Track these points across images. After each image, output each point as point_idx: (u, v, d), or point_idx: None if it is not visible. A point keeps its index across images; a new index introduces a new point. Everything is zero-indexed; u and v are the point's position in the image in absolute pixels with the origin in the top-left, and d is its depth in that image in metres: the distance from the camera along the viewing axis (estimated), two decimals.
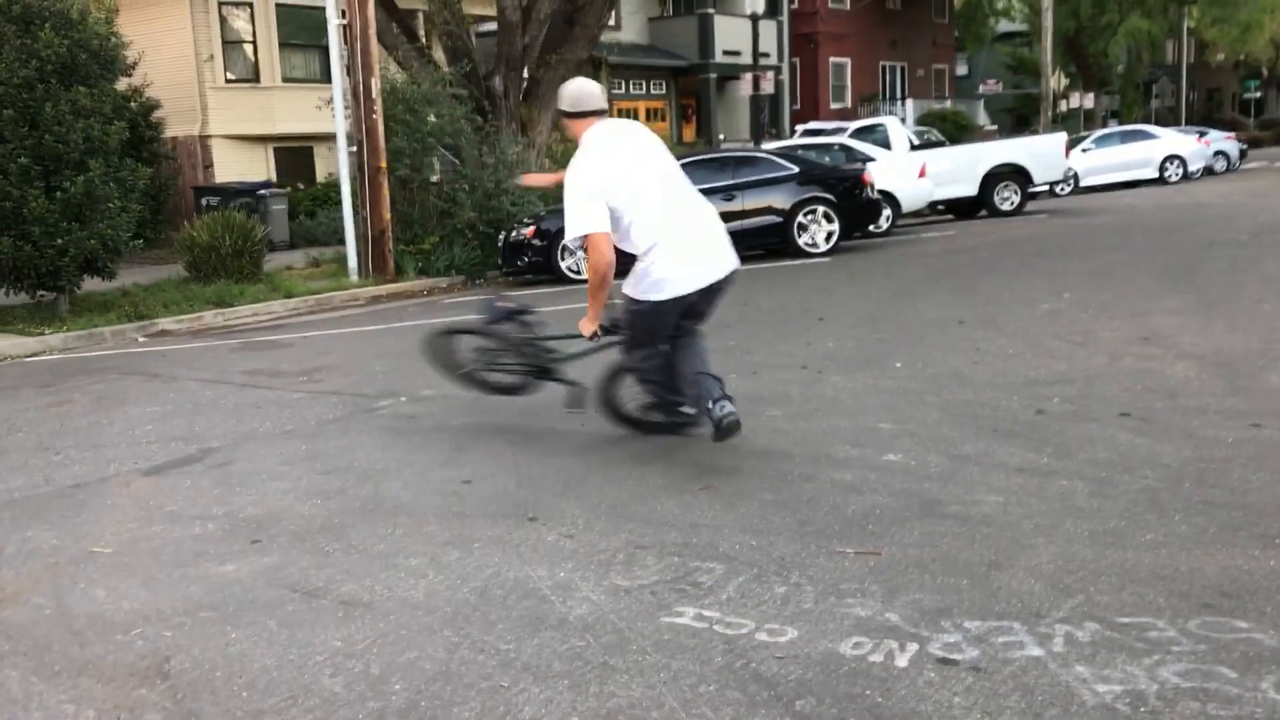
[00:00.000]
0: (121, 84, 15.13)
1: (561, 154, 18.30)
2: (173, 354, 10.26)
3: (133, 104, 18.03)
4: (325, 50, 16.46)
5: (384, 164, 14.59)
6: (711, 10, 32.36)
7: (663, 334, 5.34)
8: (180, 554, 4.54)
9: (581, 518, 4.69)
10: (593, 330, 5.36)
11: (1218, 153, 31.39)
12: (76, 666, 3.54)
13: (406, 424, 6.65)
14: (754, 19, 26.78)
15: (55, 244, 11.50)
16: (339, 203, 15.50)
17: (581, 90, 5.33)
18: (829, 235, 14.92)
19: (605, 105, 5.45)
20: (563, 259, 14.14)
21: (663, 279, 5.12)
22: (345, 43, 14.58)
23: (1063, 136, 21.91)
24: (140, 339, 11.59)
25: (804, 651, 3.35)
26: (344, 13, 14.46)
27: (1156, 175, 28.14)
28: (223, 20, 21.72)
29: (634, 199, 5.08)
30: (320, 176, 22.50)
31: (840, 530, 4.39)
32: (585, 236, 5.02)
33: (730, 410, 5.17)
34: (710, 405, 5.18)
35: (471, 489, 5.20)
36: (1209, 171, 30.16)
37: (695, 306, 5.30)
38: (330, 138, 16.41)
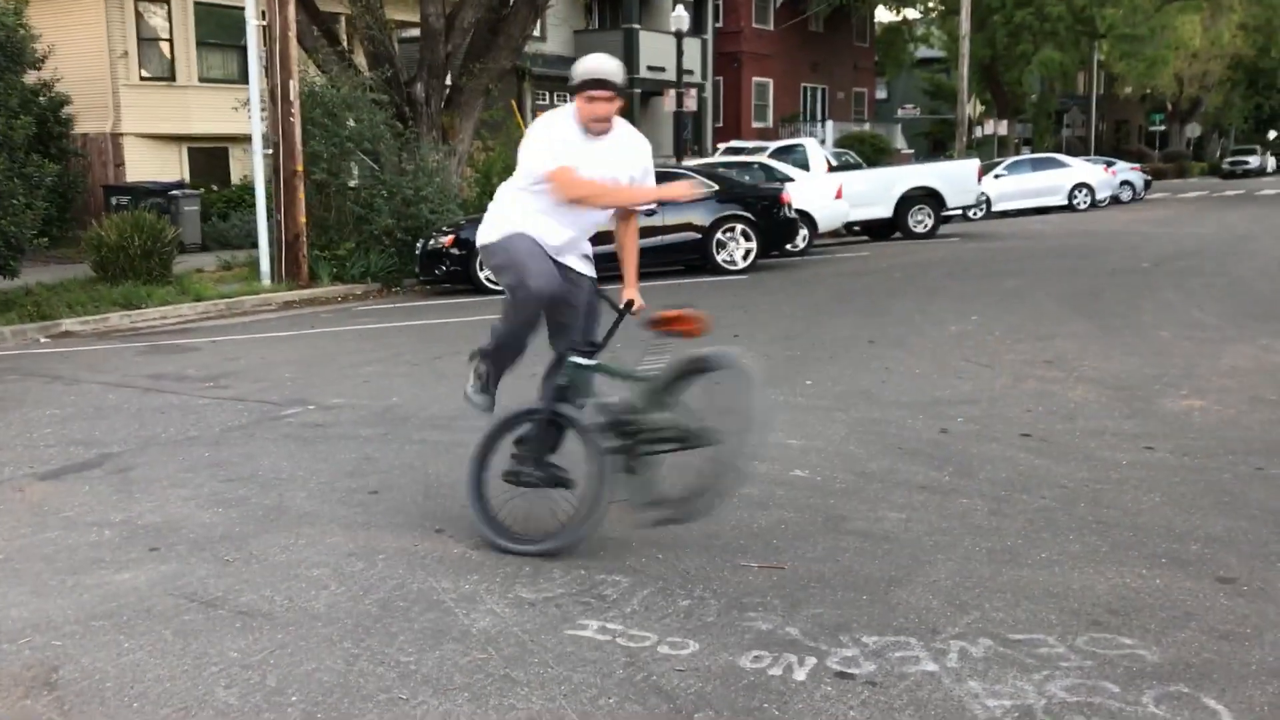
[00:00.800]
0: (30, 77, 14.75)
1: (483, 163, 18.26)
2: (76, 356, 9.99)
3: (41, 98, 17.54)
4: (244, 50, 16.19)
5: (300, 168, 14.38)
6: (637, 26, 32.54)
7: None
8: (75, 561, 4.42)
9: None
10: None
11: (1124, 182, 32.41)
12: None
13: (314, 432, 6.56)
14: (679, 36, 26.99)
15: None
16: (253, 206, 15.24)
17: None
18: (747, 253, 15.08)
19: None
20: (480, 270, 14.07)
21: None
22: (264, 44, 14.37)
23: (976, 162, 22.46)
24: (42, 340, 11.26)
25: (704, 664, 3.37)
26: (264, 13, 14.25)
27: (1066, 202, 28.96)
28: (139, 16, 21.26)
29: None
30: (235, 178, 22.11)
31: (746, 544, 4.44)
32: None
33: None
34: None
35: (378, 499, 5.15)
36: (1115, 200, 31.13)
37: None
38: (246, 139, 16.14)
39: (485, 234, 4.59)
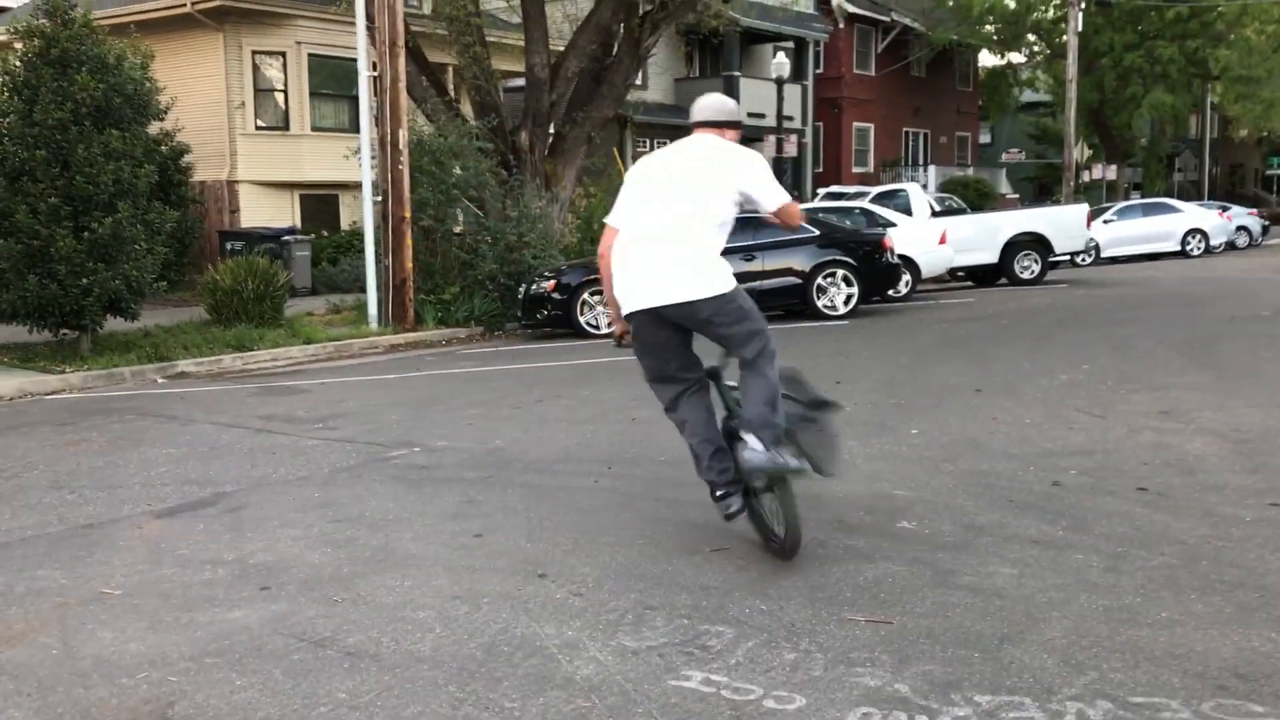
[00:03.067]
0: (153, 128, 15.40)
1: (584, 209, 18.48)
2: (191, 396, 10.31)
3: (163, 148, 18.29)
4: (355, 100, 16.70)
5: (408, 214, 14.73)
6: (737, 73, 32.72)
7: (653, 362, 4.88)
8: (189, 598, 4.53)
9: (591, 576, 4.66)
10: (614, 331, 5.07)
11: (1240, 228, 31.43)
12: (80, 709, 3.52)
13: (419, 474, 6.65)
14: (779, 83, 27.09)
15: (80, 283, 11.62)
16: (361, 250, 15.63)
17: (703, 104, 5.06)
18: (848, 298, 14.96)
19: (709, 118, 4.95)
20: (581, 314, 14.20)
21: (619, 290, 4.81)
22: (375, 94, 14.80)
23: (1085, 207, 21.98)
24: (159, 380, 11.66)
25: None
26: (375, 65, 14.69)
27: (1178, 248, 28.16)
28: (255, 68, 22.09)
29: (633, 202, 4.84)
30: (344, 224, 22.74)
31: (851, 597, 4.35)
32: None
33: (734, 509, 4.82)
34: (716, 495, 4.86)
35: (482, 542, 5.18)
36: (1231, 246, 30.18)
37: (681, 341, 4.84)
38: (355, 186, 16.60)
39: (714, 282, 4.64)
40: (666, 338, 4.78)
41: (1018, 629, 3.98)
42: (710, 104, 5.00)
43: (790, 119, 30.73)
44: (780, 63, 27.00)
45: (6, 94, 11.81)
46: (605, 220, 4.95)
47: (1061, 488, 5.91)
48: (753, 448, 4.59)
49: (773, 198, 4.82)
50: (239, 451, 7.48)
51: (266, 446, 7.62)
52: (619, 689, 3.55)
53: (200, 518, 5.81)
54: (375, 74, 14.72)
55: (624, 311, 4.78)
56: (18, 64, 11.91)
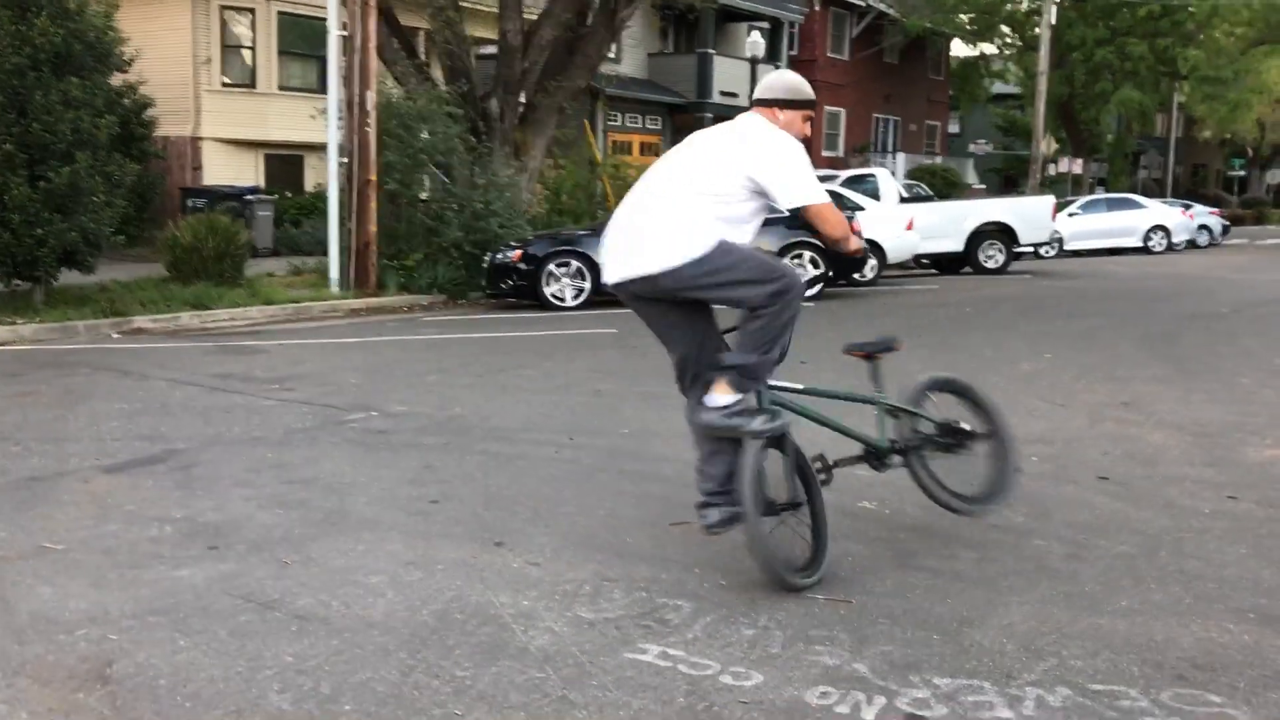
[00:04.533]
0: (116, 79, 15.04)
1: (554, 180, 18.32)
2: (146, 353, 10.11)
3: (125, 100, 17.89)
4: (323, 61, 16.41)
5: (374, 177, 14.51)
6: (712, 50, 32.54)
7: (657, 337, 4.47)
8: (134, 555, 4.41)
9: (550, 546, 4.58)
10: None
11: (1201, 226, 31.76)
12: (14, 665, 3.41)
13: (377, 439, 6.54)
14: (753, 62, 26.97)
15: (35, 234, 11.34)
16: (325, 213, 15.39)
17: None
18: (814, 281, 14.92)
19: (759, 95, 4.45)
20: (547, 286, 14.07)
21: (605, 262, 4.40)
22: (344, 54, 14.54)
23: (1051, 199, 22.10)
24: (115, 335, 11.42)
25: (768, 698, 3.25)
26: (345, 24, 14.42)
27: (1141, 244, 28.41)
28: (223, 24, 21.67)
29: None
30: (308, 186, 22.41)
31: None
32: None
33: (710, 520, 4.28)
34: (697, 503, 4.38)
35: (439, 509, 5.09)
36: (1192, 244, 30.49)
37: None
38: (321, 148, 16.33)
39: (678, 250, 4.04)
40: (650, 313, 4.33)
41: (978, 612, 3.95)
42: (764, 80, 4.50)
43: None
44: (755, 42, 26.87)
45: None
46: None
47: (1022, 474, 5.89)
48: (708, 401, 4.16)
49: (788, 194, 4.12)
50: (193, 409, 7.33)
51: (221, 405, 7.47)
52: (574, 660, 3.48)
53: (150, 474, 5.67)
54: (345, 34, 14.46)
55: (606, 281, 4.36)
56: None
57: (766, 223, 4.47)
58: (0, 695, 3.22)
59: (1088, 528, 4.97)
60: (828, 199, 4.24)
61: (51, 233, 11.41)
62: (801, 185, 4.15)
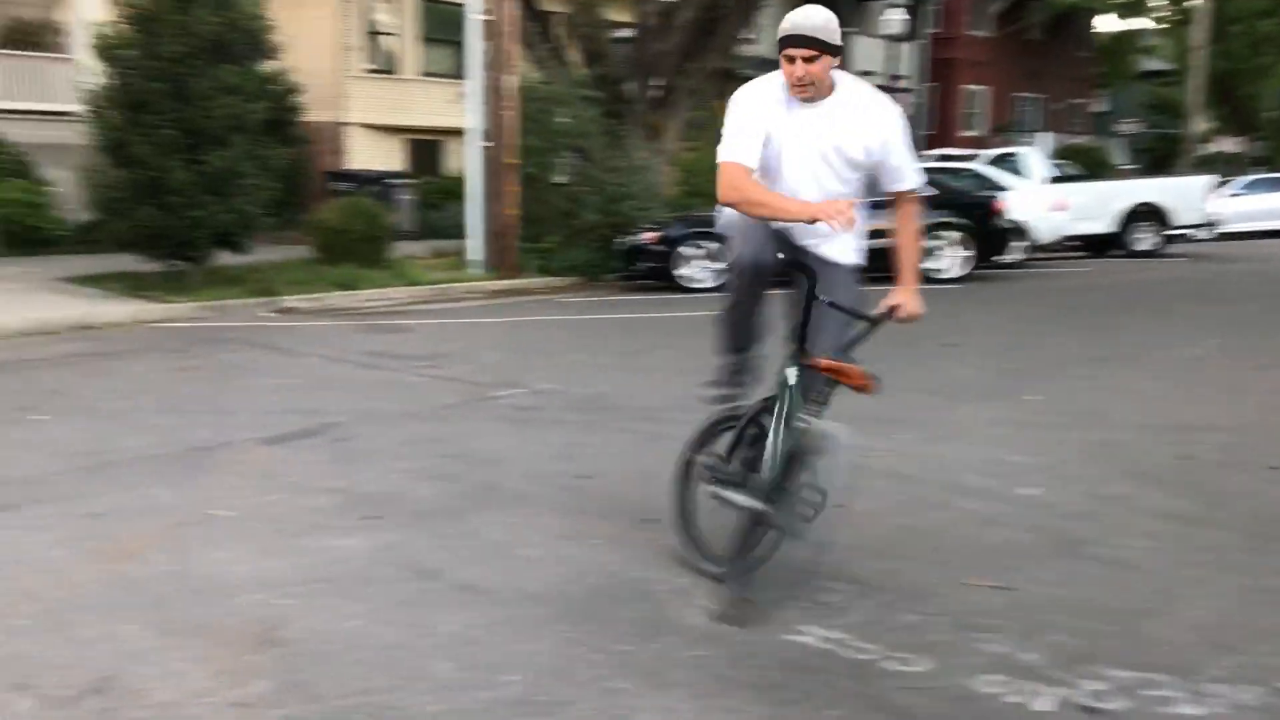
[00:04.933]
0: (266, 66, 15.54)
1: (689, 163, 18.25)
2: (298, 330, 10.42)
3: (275, 86, 18.47)
4: (463, 46, 16.65)
5: (513, 160, 14.68)
6: (853, 29, 31.97)
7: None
8: (298, 524, 4.53)
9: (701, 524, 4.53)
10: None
11: None
12: (193, 626, 3.52)
13: (525, 415, 6.59)
14: (893, 40, 26.41)
15: (193, 215, 11.79)
16: (464, 196, 15.64)
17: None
18: (960, 261, 14.55)
19: None
20: (680, 267, 14.04)
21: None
22: (485, 38, 14.72)
23: (1207, 179, 21.09)
24: (266, 314, 11.81)
25: (936, 685, 3.15)
26: (487, 9, 14.59)
27: None
28: (367, 11, 22.19)
29: None
30: (447, 170, 22.83)
31: (973, 562, 4.17)
32: None
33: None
34: None
35: (590, 485, 5.10)
36: None
37: None
38: (460, 133, 16.59)
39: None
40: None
41: (1154, 604, 3.77)
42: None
43: (903, 78, 29.96)
44: (894, 20, 26.29)
45: (129, 27, 11.97)
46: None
47: (1192, 461, 5.62)
48: None
49: None
50: (346, 385, 7.52)
51: (372, 381, 7.64)
52: (733, 640, 3.44)
53: (308, 446, 5.82)
54: (487, 18, 14.63)
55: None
56: None
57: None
58: (180, 654, 3.33)
59: (1265, 519, 4.70)
60: (729, 157, 3.68)
61: (208, 215, 11.86)
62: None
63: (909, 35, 31.14)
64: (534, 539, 4.33)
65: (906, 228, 3.98)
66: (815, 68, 3.62)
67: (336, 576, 3.94)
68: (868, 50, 31.50)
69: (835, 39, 3.67)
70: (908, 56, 33.06)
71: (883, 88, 4.39)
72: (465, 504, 4.79)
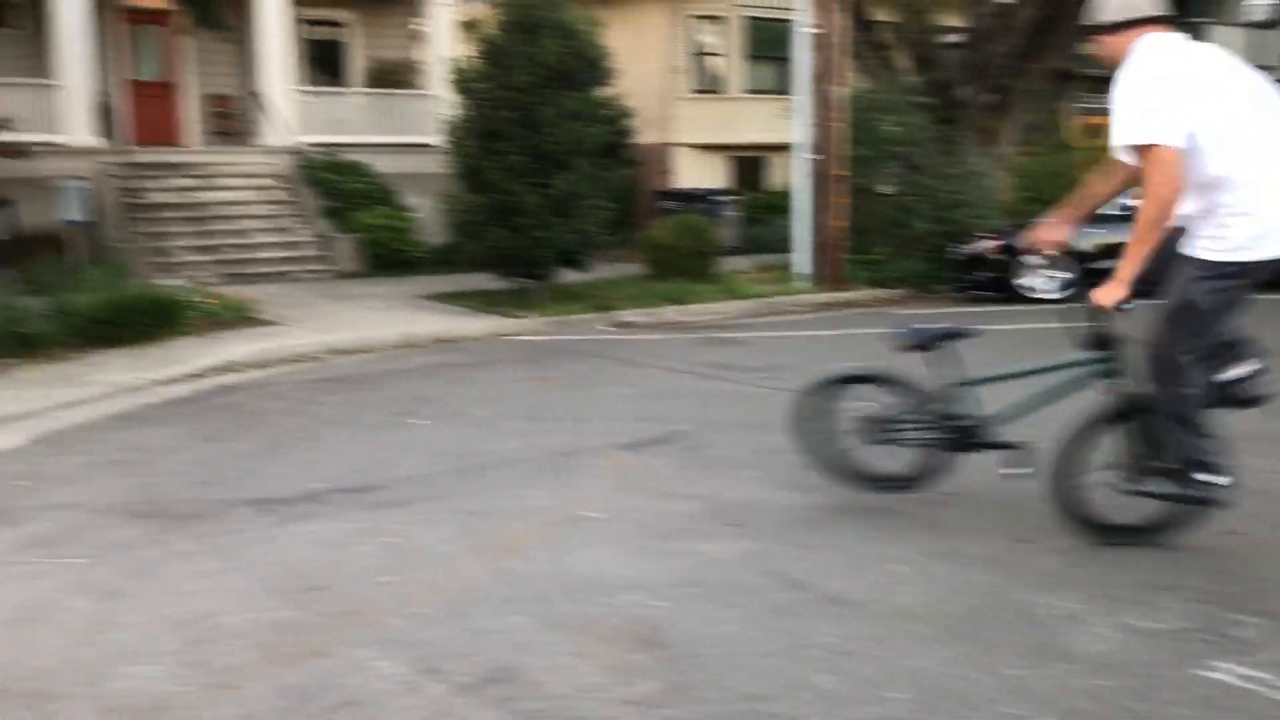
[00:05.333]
0: (603, 92, 16.20)
1: (1024, 169, 17.46)
2: (637, 343, 10.75)
3: (610, 111, 19.23)
4: (786, 62, 16.68)
5: (842, 172, 14.54)
6: (1213, 20, 29.56)
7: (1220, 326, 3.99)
8: (664, 528, 4.63)
9: (1081, 545, 4.26)
10: (1120, 299, 3.90)
11: None
12: (576, 623, 3.66)
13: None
14: (1254, 27, 24.18)
15: (540, 236, 12.43)
16: (786, 211, 15.64)
17: None
18: None
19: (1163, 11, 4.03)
20: (1022, 277, 13.39)
21: (1269, 229, 3.80)
22: (815, 51, 14.68)
23: None
24: (605, 328, 12.26)
25: None
26: (817, 23, 14.56)
27: None
28: (693, 34, 22.73)
29: (1222, 116, 3.82)
30: (769, 185, 22.96)
31: None
32: (1145, 149, 3.76)
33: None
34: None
35: (955, 500, 4.90)
36: None
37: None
38: (782, 147, 16.64)
39: None
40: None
41: None
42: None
43: (1272, 69, 27.31)
44: (1258, 5, 24.04)
45: (482, 60, 12.80)
46: (1155, 140, 3.73)
47: None
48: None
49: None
50: (690, 395, 7.66)
51: (715, 392, 7.75)
52: (1135, 671, 3.19)
53: (661, 453, 5.96)
54: (817, 30, 14.60)
55: (1255, 257, 3.80)
56: (494, 32, 12.88)
57: None
58: (567, 649, 3.46)
59: None
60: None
61: (554, 235, 12.47)
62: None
63: (1274, 22, 28.42)
64: (901, 554, 4.21)
65: None
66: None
67: (707, 581, 3.98)
68: (1224, 40, 28.99)
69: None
70: (1275, 44, 30.15)
71: None
72: (825, 515, 4.74)
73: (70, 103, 15.12)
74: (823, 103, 14.50)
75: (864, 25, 17.13)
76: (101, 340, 9.65)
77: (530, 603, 3.83)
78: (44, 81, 15.12)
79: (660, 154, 22.66)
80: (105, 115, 15.95)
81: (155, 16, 17.82)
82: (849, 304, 14.15)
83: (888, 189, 15.58)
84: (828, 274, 14.75)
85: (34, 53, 15.80)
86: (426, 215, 16.64)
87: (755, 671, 3.25)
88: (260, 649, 3.53)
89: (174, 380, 8.46)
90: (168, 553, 4.48)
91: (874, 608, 3.70)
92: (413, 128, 18.07)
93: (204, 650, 3.53)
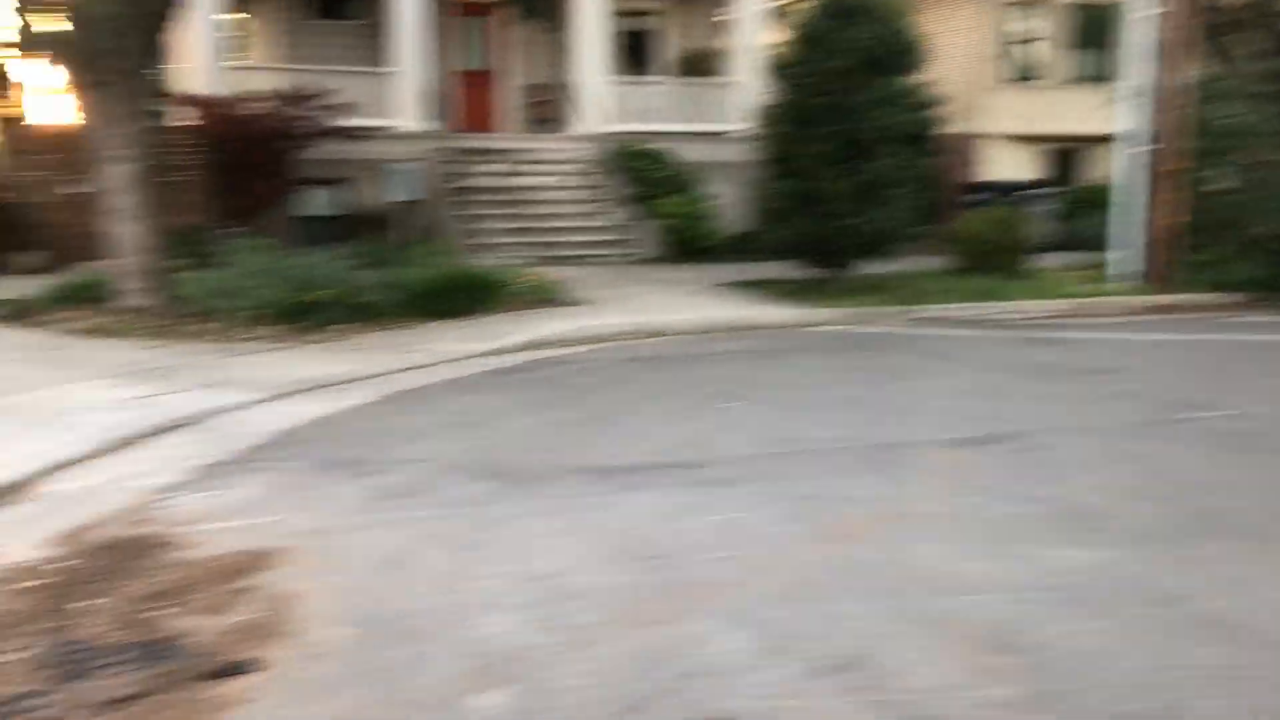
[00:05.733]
0: (914, 79, 15.76)
1: None
2: (946, 338, 10.40)
3: (920, 98, 18.68)
4: (1110, 49, 15.67)
5: (1177, 166, 13.50)
6: None
7: None
8: (1008, 529, 4.43)
9: None
10: None
11: None
12: (928, 619, 3.54)
13: (1228, 439, 5.94)
14: None
15: (846, 224, 12.24)
16: (1103, 206, 14.70)
17: None
18: None
19: None
20: None
21: None
22: (1153, 36, 13.69)
23: None
24: (907, 321, 11.92)
25: None
26: (1160, 6, 13.56)
27: None
28: (1005, 21, 21.78)
29: None
30: (1082, 179, 21.70)
31: None
32: None
33: None
34: None
35: None
36: None
37: None
38: (1099, 140, 15.64)
39: None
40: None
41: None
42: None
43: None
44: None
45: (798, 44, 12.71)
46: None
47: None
48: None
49: None
50: (1014, 394, 7.32)
51: (1041, 393, 7.36)
52: None
53: (992, 452, 5.71)
54: (1159, 10, 13.59)
55: None
56: (810, 17, 12.77)
57: None
58: (918, 644, 3.36)
59: None
60: None
61: (861, 223, 12.24)
62: None
63: None
64: (1272, 578, 3.82)
65: None
66: None
67: (1068, 587, 3.76)
68: None
69: None
70: None
71: None
72: (1188, 528, 4.39)
73: (402, 90, 16.17)
74: (1159, 91, 13.52)
75: (1203, 10, 15.84)
76: (428, 312, 10.29)
77: (874, 594, 3.74)
78: (381, 70, 16.25)
79: (965, 144, 21.85)
80: (433, 102, 16.97)
81: (483, 9, 18.83)
82: (1177, 307, 13.14)
83: (1226, 185, 14.35)
84: (1156, 274, 13.76)
85: (369, 43, 17.03)
86: (724, 203, 16.78)
87: (1126, 688, 3.03)
88: (609, 610, 3.61)
89: (496, 352, 8.89)
90: (511, 512, 4.68)
91: (1259, 631, 3.38)
92: (715, 116, 18.21)
93: (555, 607, 3.65)
